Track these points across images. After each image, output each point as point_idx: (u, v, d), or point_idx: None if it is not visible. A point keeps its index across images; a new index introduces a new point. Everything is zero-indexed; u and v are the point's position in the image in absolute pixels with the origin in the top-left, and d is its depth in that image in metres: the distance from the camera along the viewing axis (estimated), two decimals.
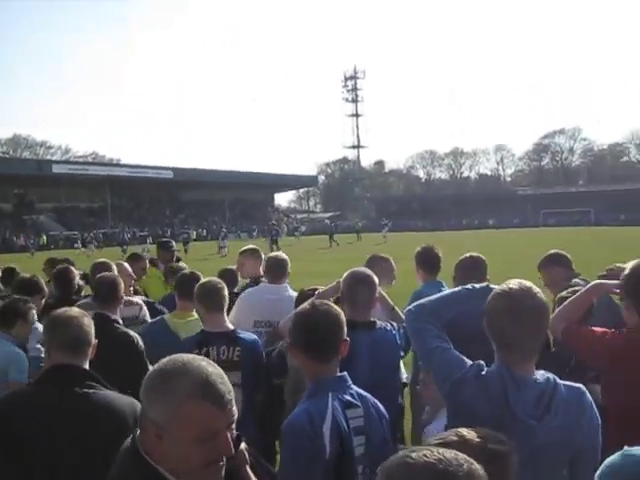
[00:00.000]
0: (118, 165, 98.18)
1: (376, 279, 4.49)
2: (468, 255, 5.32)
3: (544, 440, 2.64)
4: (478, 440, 2.08)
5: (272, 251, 14.03)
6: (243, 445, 2.68)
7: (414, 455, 1.60)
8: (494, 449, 2.07)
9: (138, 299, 6.62)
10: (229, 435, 2.03)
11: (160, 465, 2.02)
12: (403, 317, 4.58)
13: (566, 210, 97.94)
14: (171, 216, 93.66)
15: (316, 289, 5.30)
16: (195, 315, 5.42)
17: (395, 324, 4.58)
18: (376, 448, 3.06)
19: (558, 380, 2.77)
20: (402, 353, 4.65)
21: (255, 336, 5.13)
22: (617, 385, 3.40)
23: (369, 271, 4.56)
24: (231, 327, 4.88)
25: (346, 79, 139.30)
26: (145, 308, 6.44)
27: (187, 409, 1.97)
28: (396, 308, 5.01)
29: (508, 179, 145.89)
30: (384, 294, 4.96)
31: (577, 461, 2.76)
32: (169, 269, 8.09)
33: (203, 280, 5.09)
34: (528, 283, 2.85)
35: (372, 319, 4.43)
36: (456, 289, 3.40)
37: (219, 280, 5.02)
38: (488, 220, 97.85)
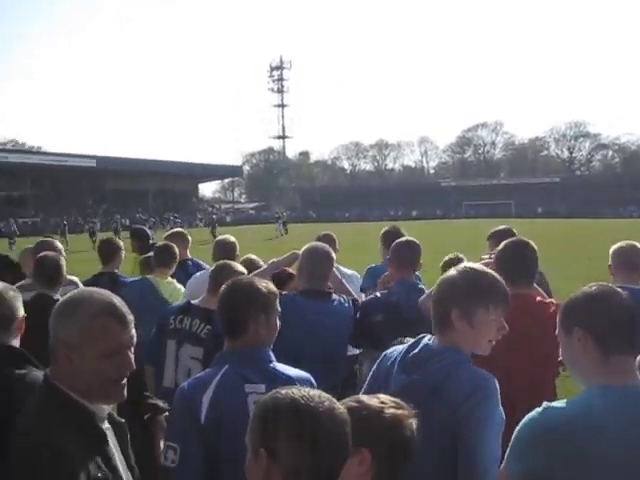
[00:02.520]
0: (39, 153, 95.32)
1: (333, 254, 4.77)
2: (404, 240, 5.39)
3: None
4: (377, 405, 2.19)
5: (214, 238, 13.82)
6: (165, 415, 3.08)
7: (283, 392, 1.83)
8: (393, 414, 2.17)
9: (74, 278, 6.39)
10: (130, 354, 2.25)
11: (71, 391, 2.19)
12: (351, 291, 5.11)
13: (487, 202, 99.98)
14: (94, 205, 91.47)
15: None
16: (170, 278, 6.38)
17: (346, 297, 4.77)
18: None
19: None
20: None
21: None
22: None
23: (328, 247, 4.82)
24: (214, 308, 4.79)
25: (272, 69, 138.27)
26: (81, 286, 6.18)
27: (94, 325, 2.18)
28: (344, 281, 5.18)
29: (432, 171, 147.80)
30: (335, 270, 5.06)
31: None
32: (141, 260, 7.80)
33: (220, 262, 5.01)
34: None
35: (328, 290, 4.67)
36: None
37: (235, 264, 4.98)
38: (412, 211, 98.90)
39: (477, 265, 3.18)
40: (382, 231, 6.53)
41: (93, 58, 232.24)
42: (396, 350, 3.09)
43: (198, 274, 6.31)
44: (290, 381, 3.00)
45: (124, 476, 2.25)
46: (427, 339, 2.98)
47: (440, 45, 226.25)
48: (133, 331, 2.28)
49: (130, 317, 2.28)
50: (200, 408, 2.95)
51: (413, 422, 2.18)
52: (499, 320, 2.92)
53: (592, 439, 2.18)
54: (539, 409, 2.32)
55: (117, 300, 2.29)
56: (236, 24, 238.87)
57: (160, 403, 3.22)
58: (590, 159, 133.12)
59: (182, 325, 4.68)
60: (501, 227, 6.03)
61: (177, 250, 6.68)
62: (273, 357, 3.20)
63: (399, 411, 2.19)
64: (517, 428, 2.33)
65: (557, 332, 2.55)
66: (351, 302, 4.77)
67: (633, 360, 2.41)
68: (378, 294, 4.98)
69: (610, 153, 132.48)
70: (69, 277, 6.00)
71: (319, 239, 6.33)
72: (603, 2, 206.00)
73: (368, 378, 3.17)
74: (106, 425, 2.29)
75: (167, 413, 3.12)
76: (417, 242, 5.29)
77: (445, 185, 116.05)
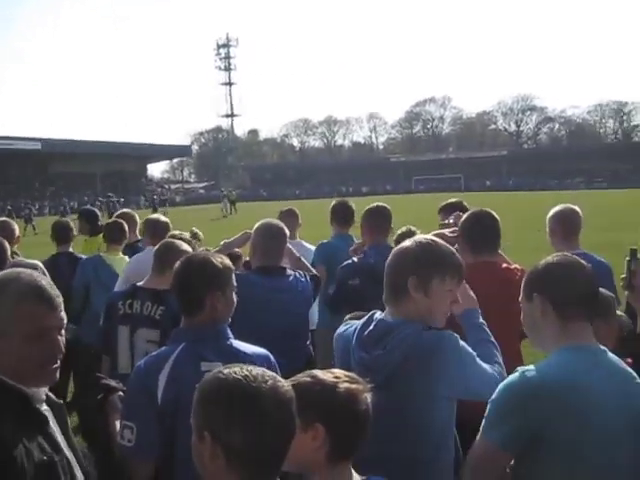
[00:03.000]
0: None
1: (287, 231, 4.78)
2: (374, 205, 5.53)
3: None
4: (331, 380, 2.18)
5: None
6: (119, 394, 3.04)
7: (225, 371, 1.83)
8: (347, 388, 2.15)
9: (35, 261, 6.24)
10: (60, 337, 2.18)
11: (3, 375, 2.11)
12: (309, 266, 5.15)
13: (437, 177, 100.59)
14: (41, 189, 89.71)
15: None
16: (121, 255, 6.64)
17: (303, 272, 4.80)
18: None
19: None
20: (312, 300, 4.91)
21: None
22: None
23: (281, 223, 4.83)
24: (164, 288, 4.67)
25: (219, 47, 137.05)
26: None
27: (22, 308, 2.11)
28: (302, 258, 5.17)
29: (381, 147, 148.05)
30: (290, 247, 5.08)
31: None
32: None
33: (166, 240, 5.02)
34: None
35: (283, 266, 4.70)
36: None
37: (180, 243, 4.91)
38: (362, 187, 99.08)
39: (432, 237, 3.19)
40: (331, 205, 6.56)
41: (34, 37, 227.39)
42: (349, 329, 3.08)
43: (140, 255, 6.17)
44: (247, 358, 2.96)
45: (68, 456, 2.18)
46: (379, 314, 2.96)
47: (387, 20, 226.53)
48: (62, 313, 2.20)
49: (59, 299, 2.19)
50: (157, 387, 2.93)
51: (368, 396, 2.18)
52: (454, 292, 2.93)
53: (581, 396, 2.27)
54: (515, 374, 2.38)
55: (45, 282, 2.20)
56: (182, 2, 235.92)
57: (113, 383, 3.16)
58: (537, 132, 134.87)
59: (132, 309, 4.59)
60: (451, 200, 6.05)
61: (126, 227, 6.83)
62: (230, 334, 3.17)
63: (353, 385, 2.18)
64: (494, 396, 2.39)
65: (520, 299, 2.64)
66: (309, 278, 4.78)
67: (590, 327, 2.50)
68: (355, 259, 5.06)
69: (556, 126, 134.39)
70: (31, 261, 5.94)
71: (282, 214, 6.48)
72: None
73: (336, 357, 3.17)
74: (44, 407, 2.21)
75: (121, 393, 3.07)
76: (387, 207, 5.45)
77: (394, 160, 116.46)
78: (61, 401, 2.32)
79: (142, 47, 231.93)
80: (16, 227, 6.69)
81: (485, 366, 2.86)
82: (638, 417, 2.32)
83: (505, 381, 2.41)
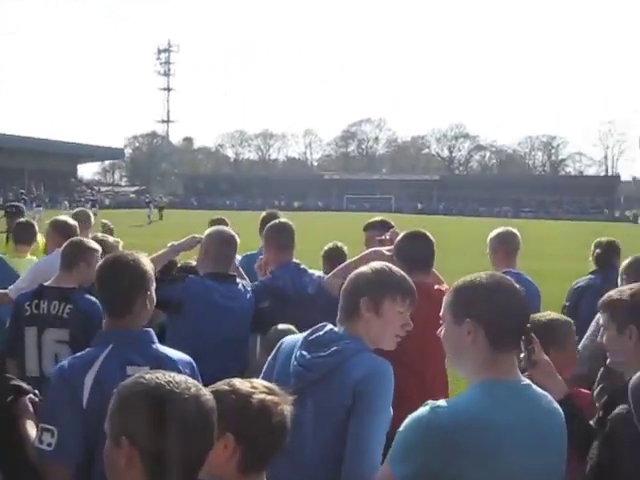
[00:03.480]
0: None
1: (238, 239, 4.74)
2: (278, 222, 5.33)
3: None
4: (247, 390, 2.15)
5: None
6: (29, 396, 2.97)
7: (147, 376, 1.80)
8: (261, 399, 2.13)
9: None
10: None
11: None
12: (245, 277, 5.04)
13: (369, 196, 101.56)
14: None
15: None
16: (29, 256, 6.34)
17: (246, 283, 4.78)
18: None
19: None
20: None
21: (95, 299, 4.84)
22: None
23: (232, 232, 4.80)
24: (71, 286, 4.67)
25: (159, 52, 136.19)
26: None
27: None
28: (240, 268, 5.18)
29: (315, 163, 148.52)
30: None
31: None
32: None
33: (73, 238, 5.00)
34: None
35: (232, 273, 4.66)
36: None
37: (88, 241, 4.93)
38: (294, 202, 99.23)
39: (387, 263, 3.24)
40: (261, 216, 6.39)
41: None
42: (296, 337, 3.15)
43: (50, 256, 5.91)
44: (172, 364, 2.94)
45: None
46: (330, 326, 3.01)
47: (327, 40, 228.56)
48: None
49: None
50: (82, 389, 2.86)
51: (285, 408, 2.16)
52: (405, 315, 3.01)
53: (477, 438, 2.13)
54: (425, 408, 2.21)
55: None
56: (125, 4, 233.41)
57: (24, 385, 3.06)
58: (469, 159, 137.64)
59: (39, 310, 4.50)
60: (377, 218, 6.06)
61: (37, 227, 6.69)
62: (155, 338, 3.13)
63: (269, 397, 2.16)
64: (402, 428, 2.23)
65: (442, 314, 2.45)
66: (248, 288, 4.76)
67: (514, 358, 2.37)
68: (263, 279, 4.91)
69: (488, 155, 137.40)
70: None
71: (212, 223, 6.37)
72: (481, 6, 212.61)
73: (265, 365, 3.17)
74: None
75: (32, 395, 3.00)
76: (291, 223, 5.24)
77: (328, 178, 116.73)
78: None
79: (83, 47, 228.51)
80: None
81: (379, 438, 2.75)
82: (551, 464, 2.27)
83: (415, 414, 2.22)
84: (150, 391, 1.76)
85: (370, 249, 4.71)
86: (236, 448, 2.08)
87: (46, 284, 4.64)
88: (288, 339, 3.17)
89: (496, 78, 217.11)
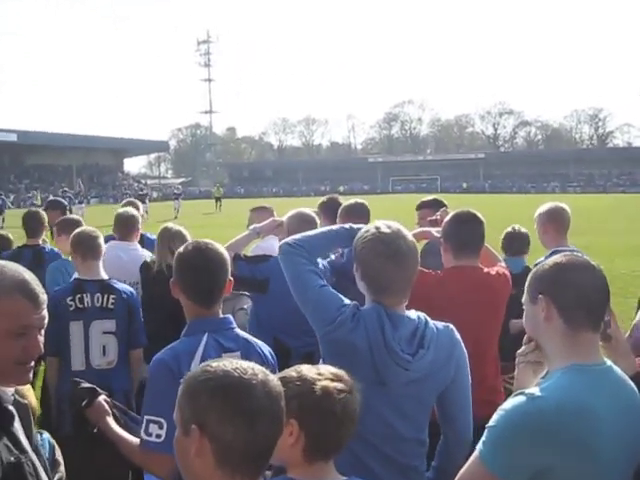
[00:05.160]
0: None
1: (318, 220, 4.87)
2: (354, 202, 5.38)
3: (417, 373, 2.73)
4: (312, 376, 2.17)
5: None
6: (102, 397, 3.00)
7: (214, 364, 1.79)
8: (324, 386, 2.14)
9: None
10: (40, 337, 2.09)
11: None
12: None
13: (414, 178, 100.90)
14: (16, 181, 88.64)
15: None
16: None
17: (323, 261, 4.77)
18: None
19: (428, 318, 2.87)
20: None
21: (131, 288, 5.13)
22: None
23: (312, 212, 4.92)
24: (105, 276, 4.89)
25: (199, 43, 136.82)
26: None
27: (5, 302, 2.03)
28: None
29: (359, 147, 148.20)
30: None
31: (449, 390, 2.87)
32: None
33: (78, 229, 5.09)
34: (396, 224, 2.88)
35: None
36: (333, 227, 3.38)
37: (94, 229, 5.05)
38: (339, 187, 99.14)
39: None
40: (321, 201, 6.24)
41: (12, 29, 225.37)
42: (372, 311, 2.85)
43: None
44: (256, 347, 3.10)
45: (33, 458, 2.10)
46: (381, 308, 2.82)
47: (367, 22, 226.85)
48: (45, 312, 2.11)
49: (43, 297, 2.10)
50: None
51: (348, 396, 2.15)
52: None
53: (581, 426, 2.07)
54: (520, 398, 2.11)
55: (30, 277, 2.11)
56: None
57: (95, 386, 3.10)
58: (514, 136, 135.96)
59: (83, 303, 4.62)
60: (430, 197, 6.04)
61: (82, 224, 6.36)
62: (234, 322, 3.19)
63: (333, 384, 2.15)
64: (495, 422, 2.12)
65: (523, 299, 2.38)
66: (327, 265, 4.81)
67: (597, 339, 2.28)
68: (333, 258, 4.99)
69: (533, 130, 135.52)
70: None
71: (253, 211, 6.37)
72: None
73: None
74: (10, 407, 2.12)
75: (104, 395, 3.05)
76: (366, 204, 5.34)
77: (372, 161, 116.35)
78: (26, 402, 2.24)
79: (123, 42, 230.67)
80: None
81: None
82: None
83: (510, 405, 2.11)
84: (218, 379, 1.75)
85: (419, 229, 4.65)
86: (300, 435, 2.09)
87: (82, 277, 4.76)
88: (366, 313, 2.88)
89: (538, 52, 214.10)
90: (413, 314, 2.85)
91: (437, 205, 5.61)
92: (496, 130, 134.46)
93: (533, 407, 2.08)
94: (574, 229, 5.27)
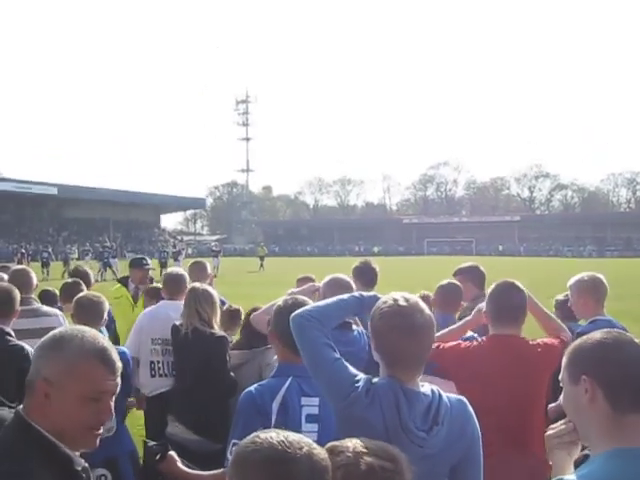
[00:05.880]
0: (2, 179, 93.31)
1: (354, 286, 4.84)
2: (360, 263, 5.62)
3: (432, 450, 2.71)
4: (362, 450, 2.15)
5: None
6: (171, 452, 3.38)
7: (262, 435, 1.86)
8: (372, 462, 2.10)
9: (55, 310, 6.01)
10: (112, 402, 2.17)
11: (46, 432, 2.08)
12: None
13: (449, 239, 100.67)
14: (54, 234, 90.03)
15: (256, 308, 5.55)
16: None
17: (360, 330, 4.85)
18: (329, 438, 2.87)
19: (442, 392, 2.84)
20: None
21: (124, 348, 5.24)
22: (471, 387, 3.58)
23: (348, 278, 4.94)
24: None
25: (237, 102, 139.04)
26: (61, 319, 5.78)
27: (84, 367, 2.10)
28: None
29: (394, 208, 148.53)
30: None
31: (461, 465, 2.83)
32: (147, 290, 7.50)
33: (79, 295, 5.15)
34: (414, 298, 2.86)
35: (348, 320, 4.70)
36: (344, 296, 3.36)
37: (96, 294, 5.10)
38: (373, 247, 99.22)
39: None
40: (354, 266, 6.20)
41: (52, 84, 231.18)
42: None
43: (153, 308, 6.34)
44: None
45: None
46: (394, 382, 2.81)
47: (403, 84, 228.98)
48: (119, 379, 2.21)
49: (118, 364, 2.20)
50: (270, 413, 3.32)
51: (393, 476, 2.12)
52: None
53: None
54: None
55: (108, 344, 2.21)
56: (204, 58, 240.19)
57: (167, 442, 3.53)
58: (550, 199, 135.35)
59: None
60: (467, 263, 6.08)
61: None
62: None
63: (379, 462, 2.13)
64: None
65: (561, 377, 2.28)
66: (363, 333, 4.81)
67: None
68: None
69: (569, 193, 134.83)
70: (49, 309, 5.83)
71: (299, 281, 6.33)
72: (559, 46, 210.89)
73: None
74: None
75: (172, 452, 3.43)
76: (367, 260, 5.66)
77: (407, 222, 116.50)
78: (87, 464, 2.27)
79: (163, 100, 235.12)
80: (34, 275, 6.25)
81: None
82: None
83: None
84: (264, 450, 1.80)
85: (475, 317, 4.60)
86: None
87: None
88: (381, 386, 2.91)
89: (575, 116, 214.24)
90: (427, 388, 2.82)
91: (473, 271, 5.66)
92: (532, 193, 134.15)
93: None
94: (610, 294, 5.24)
